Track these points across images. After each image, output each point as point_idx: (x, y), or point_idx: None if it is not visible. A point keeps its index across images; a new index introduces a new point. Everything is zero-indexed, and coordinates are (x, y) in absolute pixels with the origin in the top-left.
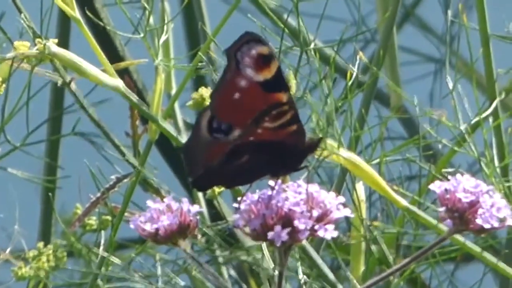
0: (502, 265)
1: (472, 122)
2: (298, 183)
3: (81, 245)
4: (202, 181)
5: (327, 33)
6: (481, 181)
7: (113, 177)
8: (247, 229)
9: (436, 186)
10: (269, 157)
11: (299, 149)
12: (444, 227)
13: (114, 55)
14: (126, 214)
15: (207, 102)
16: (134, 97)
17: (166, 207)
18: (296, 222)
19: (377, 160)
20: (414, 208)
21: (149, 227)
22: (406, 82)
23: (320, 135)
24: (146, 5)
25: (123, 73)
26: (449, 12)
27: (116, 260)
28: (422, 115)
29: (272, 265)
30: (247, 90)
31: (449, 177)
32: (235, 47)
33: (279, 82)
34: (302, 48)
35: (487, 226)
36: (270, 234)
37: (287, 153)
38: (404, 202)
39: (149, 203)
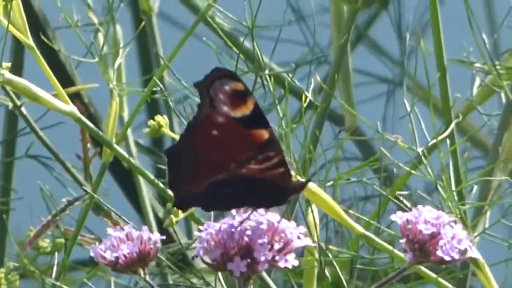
0: None
1: (429, 144)
2: (260, 213)
3: (34, 267)
4: (184, 203)
5: (281, 55)
6: (437, 205)
7: (64, 200)
8: (207, 259)
9: (398, 217)
10: (253, 191)
11: (284, 187)
12: (400, 253)
13: (64, 79)
14: (78, 237)
15: (164, 129)
16: (89, 123)
17: (126, 236)
18: (256, 254)
19: (332, 182)
20: (369, 234)
21: (109, 256)
22: (359, 103)
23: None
24: (101, 29)
25: (74, 97)
26: (407, 36)
27: None
28: (378, 138)
29: None
30: (225, 127)
31: (404, 201)
32: (206, 83)
33: (258, 118)
34: (257, 73)
35: (447, 258)
36: (230, 265)
37: (271, 189)
38: (359, 228)
39: (110, 231)
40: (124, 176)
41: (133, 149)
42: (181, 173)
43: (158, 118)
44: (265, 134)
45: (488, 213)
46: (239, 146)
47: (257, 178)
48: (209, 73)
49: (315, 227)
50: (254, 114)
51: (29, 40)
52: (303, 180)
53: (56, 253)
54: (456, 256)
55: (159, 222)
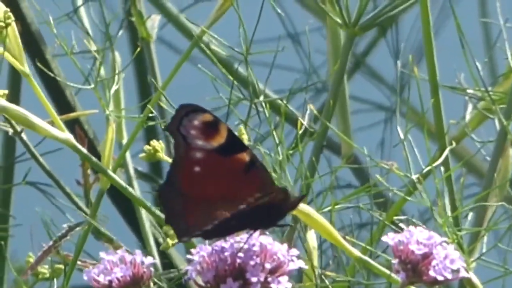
0: None
1: (424, 171)
2: (252, 235)
3: None
4: (185, 237)
5: (278, 82)
6: (433, 231)
7: (65, 225)
8: (200, 281)
9: (390, 238)
10: (252, 217)
11: (282, 208)
12: (397, 277)
13: (64, 106)
14: (79, 262)
15: (159, 154)
16: (84, 150)
17: (120, 259)
18: (248, 275)
19: (328, 208)
20: (366, 259)
21: (102, 279)
22: (357, 130)
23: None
24: (97, 55)
25: (74, 124)
26: (399, 62)
27: None
28: (373, 165)
29: None
30: (205, 160)
31: (403, 227)
32: (175, 123)
33: (235, 144)
34: (252, 100)
35: (440, 278)
36: (222, 287)
37: (270, 212)
38: (357, 253)
39: (102, 254)
40: (124, 201)
41: (133, 176)
42: (174, 211)
43: (154, 143)
44: (245, 157)
45: (485, 238)
46: (224, 175)
47: (260, 207)
48: (176, 112)
49: (314, 252)
50: (230, 140)
51: (24, 68)
52: (297, 196)
53: (55, 279)
54: (449, 276)
55: (160, 247)
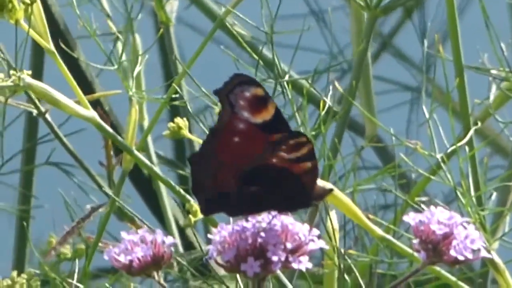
0: None
1: (448, 151)
2: (273, 215)
3: (55, 274)
4: (209, 209)
5: (303, 63)
6: (456, 211)
7: (88, 207)
8: (221, 260)
9: (411, 218)
10: (278, 191)
11: (308, 191)
12: (418, 256)
13: (85, 88)
14: (100, 244)
15: (183, 131)
16: (109, 128)
17: (140, 239)
18: (269, 254)
19: (351, 189)
20: (389, 237)
21: (123, 259)
22: (383, 111)
23: None
24: (120, 36)
25: (95, 105)
26: (425, 42)
27: None
28: (398, 144)
29: None
30: (246, 133)
31: (424, 207)
32: (226, 90)
33: (280, 123)
34: (276, 80)
35: (460, 258)
36: (243, 266)
37: (296, 190)
38: (379, 231)
39: (123, 234)
40: (146, 185)
41: (154, 158)
42: (204, 179)
43: (178, 120)
44: None
45: (508, 219)
46: (261, 151)
47: (284, 172)
48: (229, 79)
49: (334, 232)
50: (275, 119)
51: (50, 45)
52: (327, 186)
53: (77, 260)
54: (470, 256)
55: (181, 230)
